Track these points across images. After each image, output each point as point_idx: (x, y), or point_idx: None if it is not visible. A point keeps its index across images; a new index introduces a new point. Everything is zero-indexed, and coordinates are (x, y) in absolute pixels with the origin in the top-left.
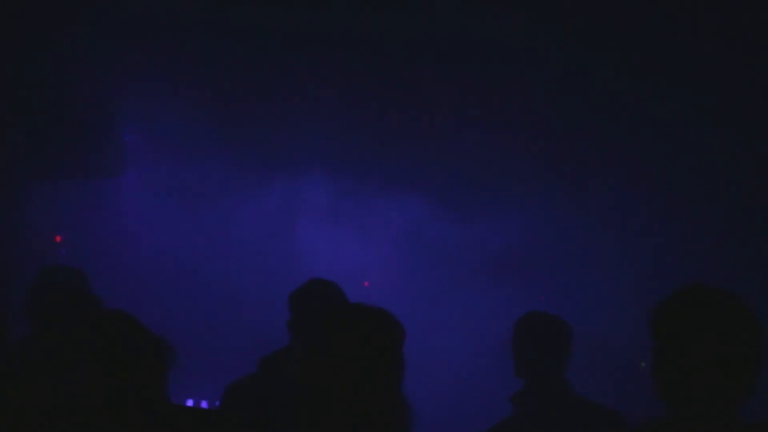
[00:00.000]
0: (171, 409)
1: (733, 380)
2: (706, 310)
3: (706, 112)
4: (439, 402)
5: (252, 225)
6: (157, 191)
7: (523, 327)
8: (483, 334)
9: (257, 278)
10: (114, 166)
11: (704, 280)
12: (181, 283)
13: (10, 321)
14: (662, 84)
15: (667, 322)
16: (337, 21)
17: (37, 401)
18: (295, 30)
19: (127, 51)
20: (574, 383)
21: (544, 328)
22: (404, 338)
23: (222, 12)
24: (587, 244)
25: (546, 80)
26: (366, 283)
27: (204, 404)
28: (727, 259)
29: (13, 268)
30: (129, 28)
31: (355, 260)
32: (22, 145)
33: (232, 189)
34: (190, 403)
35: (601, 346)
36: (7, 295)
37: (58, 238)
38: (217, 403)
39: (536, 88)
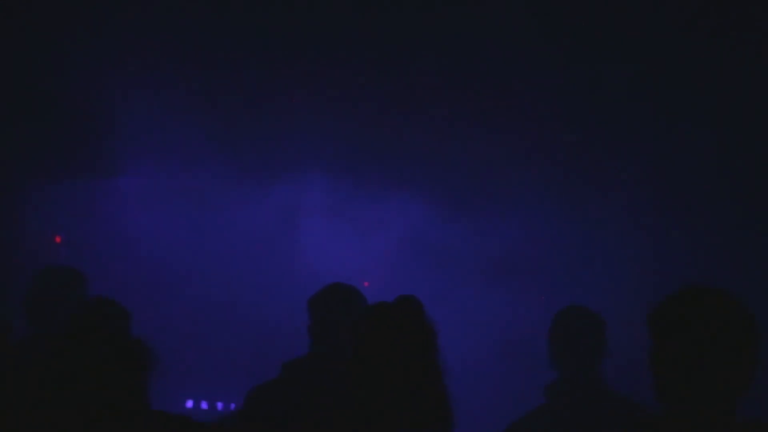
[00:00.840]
0: (149, 415)
1: (730, 379)
2: (704, 310)
3: (706, 113)
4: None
5: (253, 226)
6: (156, 191)
7: (558, 320)
8: (485, 335)
9: (257, 279)
10: (114, 167)
11: (705, 281)
12: (180, 283)
13: (11, 321)
14: (663, 85)
15: (665, 321)
16: (337, 21)
17: (35, 403)
18: (296, 30)
19: (127, 51)
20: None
21: (576, 322)
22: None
23: (221, 12)
24: (588, 244)
25: (547, 81)
26: (366, 284)
27: (204, 405)
28: (728, 260)
29: (13, 268)
30: (129, 28)
31: (355, 261)
32: (22, 145)
33: (232, 190)
34: (190, 404)
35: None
36: (7, 296)
37: (57, 239)
38: (233, 405)
39: (538, 90)
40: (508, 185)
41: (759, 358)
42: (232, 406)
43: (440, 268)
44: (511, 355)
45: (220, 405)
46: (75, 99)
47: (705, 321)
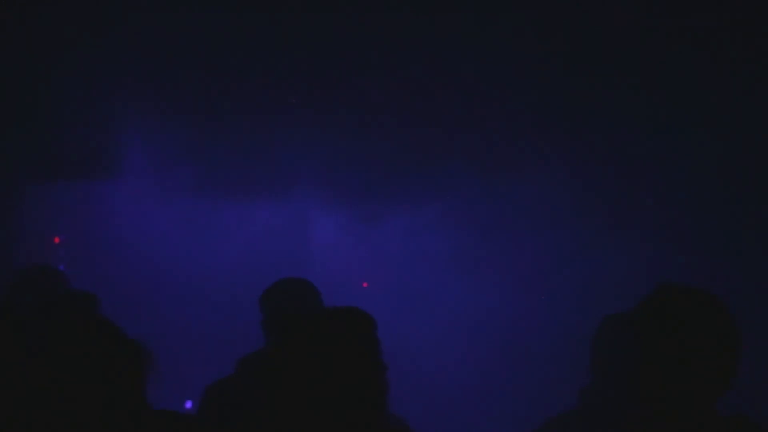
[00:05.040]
0: (149, 414)
1: (711, 377)
2: (683, 309)
3: (707, 117)
4: (436, 403)
5: (252, 228)
6: (156, 193)
7: (603, 326)
8: (486, 337)
9: (258, 282)
10: (113, 168)
11: (702, 282)
12: (180, 284)
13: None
14: (664, 86)
15: (645, 320)
16: (341, 32)
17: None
18: (299, 43)
19: (126, 55)
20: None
21: (618, 329)
22: (367, 330)
23: (218, 19)
24: (588, 245)
25: (547, 86)
26: (365, 284)
27: None
28: (729, 261)
29: (12, 269)
30: (128, 32)
31: (353, 262)
32: (22, 145)
33: (236, 193)
34: (189, 404)
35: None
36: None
37: (56, 239)
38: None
39: (538, 94)
40: (511, 192)
41: (739, 355)
42: None
43: (443, 271)
44: (511, 356)
45: None
46: (75, 99)
47: (685, 320)
